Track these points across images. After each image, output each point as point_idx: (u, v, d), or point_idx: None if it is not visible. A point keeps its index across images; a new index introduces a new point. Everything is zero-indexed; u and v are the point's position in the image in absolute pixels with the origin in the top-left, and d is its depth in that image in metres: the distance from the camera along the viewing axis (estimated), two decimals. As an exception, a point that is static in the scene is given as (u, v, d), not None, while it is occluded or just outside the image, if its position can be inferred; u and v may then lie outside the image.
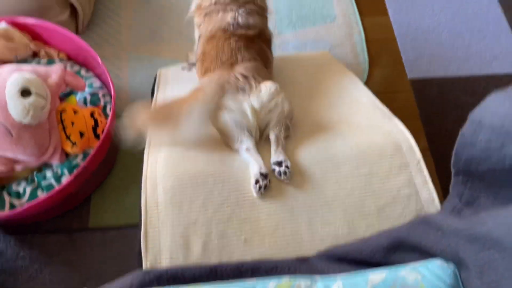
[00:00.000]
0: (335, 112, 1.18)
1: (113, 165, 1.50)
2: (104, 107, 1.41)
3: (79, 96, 1.41)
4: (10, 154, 1.16)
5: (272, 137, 1.01)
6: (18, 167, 1.23)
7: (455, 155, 0.63)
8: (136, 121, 0.98)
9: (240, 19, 1.14)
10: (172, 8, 1.87)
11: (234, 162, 0.98)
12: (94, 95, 1.42)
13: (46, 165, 1.28)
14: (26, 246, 1.34)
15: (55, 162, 1.25)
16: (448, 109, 1.70)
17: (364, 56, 1.79)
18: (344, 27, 1.86)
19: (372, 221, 0.91)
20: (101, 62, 1.38)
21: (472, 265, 0.51)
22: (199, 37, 1.22)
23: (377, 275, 0.62)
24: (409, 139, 1.02)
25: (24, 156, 1.18)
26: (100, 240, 1.39)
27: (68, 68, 1.46)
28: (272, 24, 1.86)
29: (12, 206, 1.23)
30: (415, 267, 0.60)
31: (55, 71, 1.27)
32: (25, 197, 1.23)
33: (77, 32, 1.76)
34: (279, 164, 0.95)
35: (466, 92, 1.74)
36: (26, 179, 1.27)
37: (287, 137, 1.04)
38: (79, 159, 1.28)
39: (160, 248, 0.87)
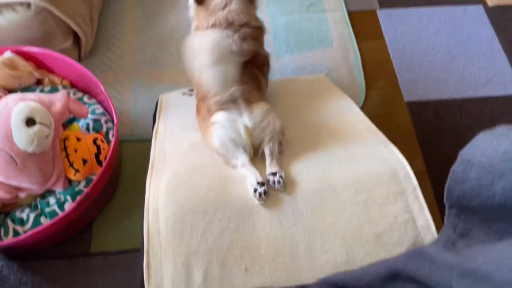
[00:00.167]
0: (333, 137, 1.21)
1: (114, 190, 1.52)
2: (107, 133, 1.44)
3: (82, 123, 1.44)
4: (14, 182, 1.18)
5: (266, 151, 1.07)
6: (22, 194, 1.25)
7: (447, 190, 0.66)
8: None
9: (234, 47, 1.17)
10: (173, 34, 1.91)
11: (234, 189, 1.00)
12: (96, 121, 1.45)
13: (49, 192, 1.30)
14: (29, 272, 1.35)
15: (58, 189, 1.27)
16: (444, 131, 1.73)
17: (361, 79, 1.83)
18: (341, 51, 1.90)
19: (370, 248, 0.92)
20: (103, 89, 1.41)
21: (465, 299, 0.53)
22: None
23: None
24: (405, 166, 1.04)
25: (28, 184, 1.20)
26: (102, 264, 1.40)
27: (71, 95, 1.50)
28: (271, 49, 1.91)
29: (15, 232, 1.25)
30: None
31: (58, 99, 1.30)
32: (29, 223, 1.25)
33: (79, 58, 1.80)
34: (274, 174, 1.00)
35: (461, 114, 1.77)
36: (29, 205, 1.29)
37: (281, 152, 1.09)
38: (81, 186, 1.30)
39: (162, 276, 0.89)
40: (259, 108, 1.08)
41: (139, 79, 1.78)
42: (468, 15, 2.07)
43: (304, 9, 2.02)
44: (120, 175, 1.55)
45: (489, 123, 1.74)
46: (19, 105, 1.19)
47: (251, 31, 1.23)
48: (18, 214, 1.27)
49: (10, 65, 1.44)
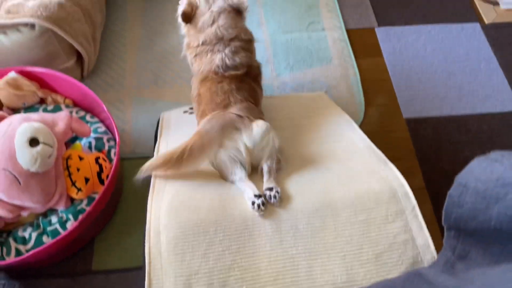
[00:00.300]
0: (333, 155, 1.22)
1: (116, 208, 1.53)
2: (109, 152, 1.45)
3: (84, 141, 1.45)
4: (17, 201, 1.19)
5: (265, 168, 1.10)
6: (24, 213, 1.26)
7: (445, 213, 0.67)
8: (150, 167, 1.09)
9: (227, 61, 1.20)
10: (174, 52, 1.94)
11: (235, 209, 1.01)
12: (99, 140, 1.46)
13: (51, 210, 1.31)
14: (30, 291, 1.36)
15: (60, 208, 1.28)
16: (444, 147, 1.74)
17: (360, 97, 1.85)
18: (340, 68, 1.92)
19: (370, 268, 0.93)
20: (106, 108, 1.43)
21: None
22: (192, 76, 1.29)
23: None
24: (404, 185, 1.05)
25: (30, 203, 1.21)
26: (103, 283, 1.40)
27: (74, 114, 1.52)
28: (270, 67, 1.94)
29: (17, 251, 1.25)
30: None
31: (61, 119, 1.32)
32: (31, 243, 1.26)
33: (82, 76, 1.82)
34: (270, 189, 1.03)
35: (460, 130, 1.79)
36: (31, 224, 1.30)
37: (279, 169, 1.13)
38: (83, 204, 1.31)
39: (164, 297, 0.90)
40: (259, 127, 1.11)
41: (141, 97, 1.80)
42: (465, 33, 2.10)
43: (303, 27, 2.06)
44: (121, 192, 1.56)
45: (488, 139, 1.76)
46: (23, 125, 1.20)
47: (242, 44, 1.25)
48: (20, 233, 1.28)
49: (14, 85, 1.46)
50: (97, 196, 1.29)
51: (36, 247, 1.24)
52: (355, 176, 1.09)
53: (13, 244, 1.26)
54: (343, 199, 1.02)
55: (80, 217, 1.26)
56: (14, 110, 1.52)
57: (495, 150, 1.72)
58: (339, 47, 2.00)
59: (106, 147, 1.46)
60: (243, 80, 1.23)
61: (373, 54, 2.01)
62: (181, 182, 1.12)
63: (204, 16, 1.22)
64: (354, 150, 1.24)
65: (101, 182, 1.33)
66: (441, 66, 1.98)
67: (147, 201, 1.07)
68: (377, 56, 2.00)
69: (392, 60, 1.99)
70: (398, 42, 2.05)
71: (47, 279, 1.38)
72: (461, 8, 2.20)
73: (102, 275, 1.41)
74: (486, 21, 2.15)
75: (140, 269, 0.97)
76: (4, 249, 1.26)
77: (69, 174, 1.28)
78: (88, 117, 1.54)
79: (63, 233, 1.25)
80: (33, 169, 1.17)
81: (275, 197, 1.01)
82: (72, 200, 1.32)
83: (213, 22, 1.22)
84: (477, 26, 2.13)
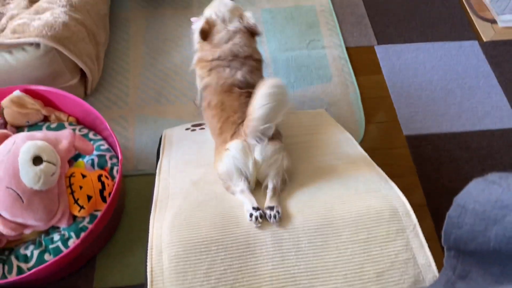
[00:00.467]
0: (334, 173, 1.23)
1: (118, 225, 1.53)
2: (111, 169, 1.46)
3: (87, 159, 1.47)
4: (20, 219, 1.20)
5: (270, 186, 1.12)
6: (27, 231, 1.26)
7: (444, 234, 0.67)
8: None
9: (248, 78, 1.28)
10: (177, 70, 1.96)
11: (237, 227, 1.02)
12: (101, 157, 1.47)
13: (53, 228, 1.31)
14: (31, 309, 1.35)
15: (62, 225, 1.28)
16: (444, 164, 1.75)
17: (360, 114, 1.87)
18: (340, 86, 1.95)
19: (372, 287, 0.93)
20: (109, 126, 1.45)
21: None
22: (204, 87, 1.33)
23: None
24: (405, 203, 1.06)
25: (33, 221, 1.21)
26: (104, 301, 1.40)
27: (77, 132, 1.53)
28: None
29: (19, 269, 1.25)
30: None
31: (65, 137, 1.34)
32: (33, 260, 1.26)
33: (85, 94, 1.85)
34: (271, 208, 1.04)
35: (460, 147, 1.80)
36: (33, 242, 1.30)
37: (283, 190, 1.14)
38: (86, 222, 1.31)
39: (165, 316, 0.90)
40: (272, 145, 1.14)
41: (143, 115, 1.82)
42: (463, 51, 2.13)
43: (303, 45, 2.09)
44: (123, 209, 1.56)
45: (488, 156, 1.77)
46: (27, 143, 1.22)
47: (255, 64, 1.34)
48: (22, 250, 1.29)
49: (19, 103, 1.48)
50: (99, 214, 1.30)
51: (38, 265, 1.25)
52: (356, 194, 1.10)
53: (15, 262, 1.26)
54: (344, 217, 1.02)
55: (82, 234, 1.26)
56: (18, 128, 1.54)
57: (495, 167, 1.73)
58: (339, 64, 2.02)
59: (109, 165, 1.47)
60: None
61: (373, 72, 2.03)
62: (182, 200, 1.13)
63: (220, 34, 1.30)
64: (354, 168, 1.25)
65: (103, 199, 1.34)
66: (440, 83, 2.00)
67: (149, 218, 1.08)
68: (377, 73, 2.03)
69: (392, 77, 2.01)
70: (397, 60, 2.08)
71: (48, 297, 1.38)
72: (459, 26, 2.23)
73: (104, 293, 1.41)
74: (484, 39, 2.18)
75: (142, 287, 0.97)
76: (6, 267, 1.26)
77: (72, 192, 1.28)
78: (91, 135, 1.55)
79: (65, 251, 1.25)
80: (36, 187, 1.18)
81: (275, 216, 1.02)
82: (74, 217, 1.32)
83: (229, 39, 1.30)
84: (475, 43, 2.16)
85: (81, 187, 1.29)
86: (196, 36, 1.36)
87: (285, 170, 1.16)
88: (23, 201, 1.18)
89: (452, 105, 1.93)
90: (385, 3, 2.32)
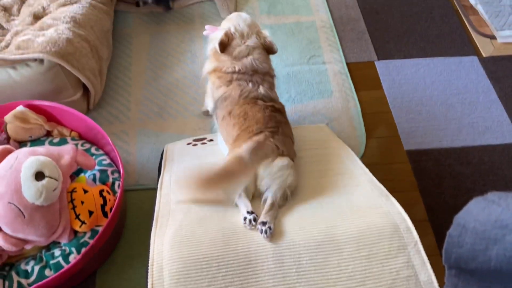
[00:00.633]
0: (335, 189, 1.23)
1: (118, 240, 1.53)
2: (113, 184, 1.46)
3: (88, 174, 1.47)
4: (21, 235, 1.20)
5: (269, 201, 1.12)
6: (28, 246, 1.26)
7: (445, 253, 0.68)
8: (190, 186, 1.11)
9: (270, 94, 1.34)
10: (179, 85, 1.98)
11: (238, 243, 1.02)
12: (103, 172, 1.48)
13: (54, 243, 1.31)
14: (30, 326, 1.34)
15: (63, 241, 1.28)
16: (445, 179, 1.75)
17: (361, 129, 1.87)
18: (341, 101, 1.96)
19: (373, 304, 0.93)
20: (110, 141, 1.45)
21: None
22: (223, 97, 1.35)
23: None
24: (406, 219, 1.06)
25: (34, 237, 1.21)
26: (104, 317, 1.39)
27: (80, 147, 1.54)
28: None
29: (20, 285, 1.25)
30: None
31: (67, 152, 1.34)
32: (33, 276, 1.25)
33: (88, 109, 1.86)
34: (264, 224, 1.04)
35: (461, 162, 1.80)
36: (34, 257, 1.30)
37: (282, 206, 1.15)
38: (87, 237, 1.31)
39: (166, 334, 0.89)
40: (280, 160, 1.17)
41: (145, 129, 1.83)
42: (463, 66, 2.15)
43: (304, 61, 2.10)
44: (124, 224, 1.56)
45: (489, 171, 1.77)
46: (30, 159, 1.22)
47: (271, 80, 1.41)
48: (22, 266, 1.28)
49: (22, 118, 1.49)
50: (100, 229, 1.29)
51: (38, 281, 1.24)
52: (357, 211, 1.10)
53: (15, 278, 1.26)
54: (346, 234, 1.02)
55: (83, 250, 1.26)
56: (21, 143, 1.55)
57: (496, 182, 1.72)
58: (340, 80, 2.04)
59: (110, 180, 1.47)
60: (282, 114, 1.36)
61: (373, 87, 2.05)
62: (183, 216, 1.13)
63: (240, 47, 1.36)
64: (355, 183, 1.25)
65: (105, 214, 1.34)
66: (441, 98, 2.01)
67: (150, 233, 1.08)
68: (377, 88, 2.04)
69: (392, 92, 2.03)
70: (397, 75, 2.09)
71: (48, 313, 1.37)
72: (459, 42, 2.25)
73: (104, 309, 1.40)
74: (484, 55, 2.19)
75: (142, 303, 0.97)
76: (7, 283, 1.25)
77: (73, 207, 1.29)
78: (93, 150, 1.56)
79: (65, 266, 1.25)
80: (38, 202, 1.19)
81: (266, 232, 1.03)
82: (75, 233, 1.32)
83: (249, 53, 1.36)
84: (475, 59, 2.18)
85: (82, 202, 1.30)
86: (212, 45, 1.42)
87: (287, 186, 1.17)
88: (24, 217, 1.18)
89: (452, 120, 1.94)
90: (385, 19, 2.34)
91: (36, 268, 1.27)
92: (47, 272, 1.26)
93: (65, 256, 1.28)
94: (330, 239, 1.02)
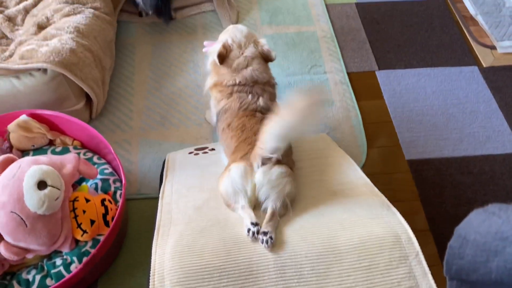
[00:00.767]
0: (336, 199, 1.24)
1: (120, 249, 1.53)
2: (114, 193, 1.47)
3: (90, 183, 1.48)
4: (23, 244, 1.20)
5: (269, 210, 1.13)
6: (29, 255, 1.27)
7: (446, 264, 0.68)
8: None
9: (269, 104, 1.34)
10: (181, 94, 1.99)
11: (239, 253, 1.02)
12: (105, 181, 1.48)
13: (56, 252, 1.32)
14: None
15: (65, 250, 1.28)
16: (446, 189, 1.75)
17: (362, 138, 1.88)
18: (342, 110, 1.97)
19: (375, 315, 0.93)
20: (112, 150, 1.46)
21: None
22: (223, 110, 1.36)
23: None
24: (407, 230, 1.06)
25: (36, 246, 1.21)
26: (105, 327, 1.38)
27: (82, 156, 1.55)
28: (274, 109, 1.97)
29: (20, 295, 1.25)
30: None
31: (69, 161, 1.35)
32: (34, 285, 1.25)
33: (90, 118, 1.87)
34: (265, 234, 1.04)
35: (462, 172, 1.80)
36: (35, 266, 1.30)
37: (283, 215, 1.15)
38: (88, 246, 1.31)
39: None
40: (278, 169, 1.16)
41: (147, 138, 1.84)
42: (464, 76, 2.16)
43: (305, 70, 2.12)
44: (126, 232, 1.56)
45: (490, 181, 1.77)
46: (32, 168, 1.23)
47: (272, 90, 1.41)
48: (24, 275, 1.28)
49: (25, 127, 1.50)
50: (102, 238, 1.30)
51: (39, 290, 1.24)
52: (358, 221, 1.10)
53: (16, 287, 1.26)
54: (347, 244, 1.02)
55: (85, 259, 1.26)
56: (24, 152, 1.56)
57: (497, 192, 1.72)
58: (341, 89, 2.05)
59: (112, 189, 1.48)
60: None
61: (374, 97, 2.06)
62: (185, 225, 1.13)
63: (238, 59, 1.36)
64: (356, 193, 1.25)
65: (106, 224, 1.34)
66: (441, 108, 2.02)
67: (151, 242, 1.08)
68: (378, 98, 2.05)
69: (393, 102, 2.03)
70: (398, 85, 2.10)
71: (49, 322, 1.37)
72: (459, 52, 2.27)
73: (104, 319, 1.40)
74: (484, 65, 2.21)
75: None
76: (8, 292, 1.26)
77: (75, 216, 1.29)
78: (95, 159, 1.57)
79: (67, 275, 1.25)
80: (40, 211, 1.19)
81: (267, 242, 1.03)
82: (76, 242, 1.32)
83: (247, 65, 1.36)
84: (475, 69, 2.19)
85: (84, 211, 1.30)
86: (211, 59, 1.43)
87: (286, 194, 1.16)
88: (26, 226, 1.19)
89: (453, 130, 1.94)
90: (386, 29, 2.36)
91: (38, 277, 1.27)
92: (48, 281, 1.26)
93: (67, 265, 1.28)
94: (331, 250, 1.02)
